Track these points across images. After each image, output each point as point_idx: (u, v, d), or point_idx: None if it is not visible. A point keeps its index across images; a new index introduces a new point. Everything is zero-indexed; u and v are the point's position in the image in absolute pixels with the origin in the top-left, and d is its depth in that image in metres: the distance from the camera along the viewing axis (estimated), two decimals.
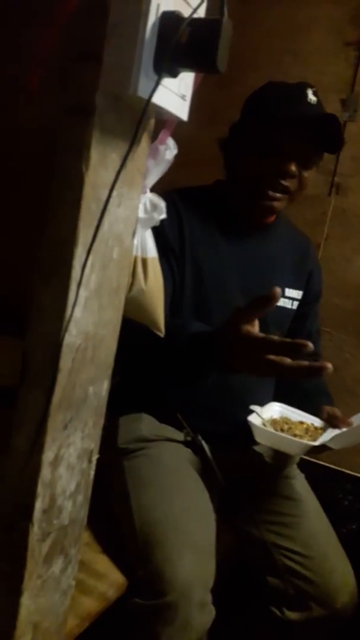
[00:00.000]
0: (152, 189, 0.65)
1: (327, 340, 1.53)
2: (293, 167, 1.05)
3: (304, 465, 1.30)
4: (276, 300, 0.79)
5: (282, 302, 1.20)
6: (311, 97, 1.07)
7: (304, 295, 1.25)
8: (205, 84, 1.72)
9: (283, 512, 1.19)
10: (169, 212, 1.09)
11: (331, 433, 1.05)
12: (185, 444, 1.14)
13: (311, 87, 1.08)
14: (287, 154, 1.05)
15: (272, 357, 0.77)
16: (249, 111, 1.14)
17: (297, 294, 1.23)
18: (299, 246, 1.27)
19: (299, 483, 1.25)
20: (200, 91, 1.70)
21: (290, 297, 1.22)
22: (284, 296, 1.21)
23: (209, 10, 0.54)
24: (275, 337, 0.78)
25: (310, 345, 0.74)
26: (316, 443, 1.01)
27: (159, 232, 1.06)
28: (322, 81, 1.45)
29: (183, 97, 0.55)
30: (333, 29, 1.46)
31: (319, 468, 1.52)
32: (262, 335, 0.81)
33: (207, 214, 1.14)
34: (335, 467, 1.55)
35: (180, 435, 1.14)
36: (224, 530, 1.18)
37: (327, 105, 1.15)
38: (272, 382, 1.26)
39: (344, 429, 1.05)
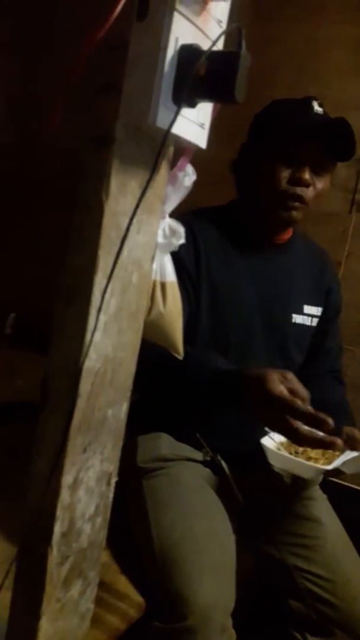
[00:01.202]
0: (173, 210, 0.66)
1: (349, 358, 1.52)
2: (307, 175, 1.06)
3: (326, 486, 1.28)
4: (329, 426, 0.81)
5: (301, 320, 1.20)
6: (317, 108, 1.08)
7: (323, 312, 1.24)
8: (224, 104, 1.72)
9: (304, 534, 1.17)
10: (185, 234, 1.11)
11: (348, 456, 1.03)
12: (205, 463, 1.14)
13: (316, 99, 1.09)
14: (299, 161, 1.06)
15: (291, 420, 0.82)
16: (257, 128, 1.15)
17: (316, 310, 1.23)
18: (316, 262, 1.27)
19: (321, 504, 1.23)
20: (219, 111, 1.71)
21: (309, 314, 1.21)
22: (302, 313, 1.20)
23: (227, 40, 0.55)
24: (301, 405, 0.82)
25: (331, 423, 0.79)
26: (329, 467, 0.98)
27: (175, 254, 1.08)
28: (342, 99, 1.46)
29: (202, 125, 0.56)
30: (353, 48, 1.47)
31: (342, 489, 1.50)
32: (290, 397, 0.84)
33: (222, 233, 1.14)
34: (358, 487, 1.52)
35: (199, 455, 1.13)
36: (244, 551, 1.17)
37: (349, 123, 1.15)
38: None
39: (357, 454, 1.03)
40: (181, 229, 0.64)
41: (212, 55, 0.48)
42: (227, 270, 1.13)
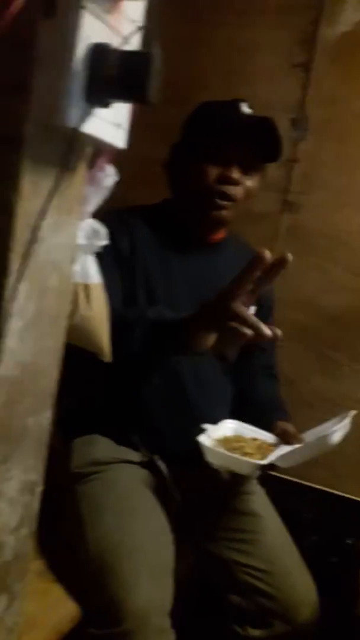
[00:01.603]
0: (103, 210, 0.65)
1: (284, 354, 1.55)
2: (235, 174, 1.08)
3: (264, 480, 1.30)
4: (265, 259, 0.86)
5: None
6: (245, 109, 1.11)
7: (257, 310, 1.26)
8: (155, 104, 1.73)
9: (242, 528, 1.19)
10: (119, 226, 1.11)
11: (282, 450, 1.05)
12: (142, 464, 1.13)
13: (244, 100, 1.12)
14: (227, 160, 1.07)
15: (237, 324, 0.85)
16: (187, 129, 1.16)
17: (250, 309, 1.24)
18: None
19: (258, 498, 1.25)
20: (151, 111, 1.71)
21: None
22: None
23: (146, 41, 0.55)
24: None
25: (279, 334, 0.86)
26: (264, 462, 1.00)
27: (109, 244, 1.07)
28: (272, 101, 1.49)
29: (119, 125, 0.55)
30: (280, 51, 1.49)
31: (279, 482, 1.53)
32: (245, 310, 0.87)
33: (156, 232, 1.14)
34: (296, 480, 1.56)
35: (136, 456, 1.13)
36: (185, 549, 1.17)
37: (277, 125, 1.18)
38: (228, 399, 1.26)
39: (291, 448, 1.05)
40: (103, 230, 0.63)
41: (124, 55, 0.47)
42: (161, 268, 1.13)
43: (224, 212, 1.11)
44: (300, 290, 1.52)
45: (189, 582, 1.22)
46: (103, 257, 1.06)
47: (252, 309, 1.05)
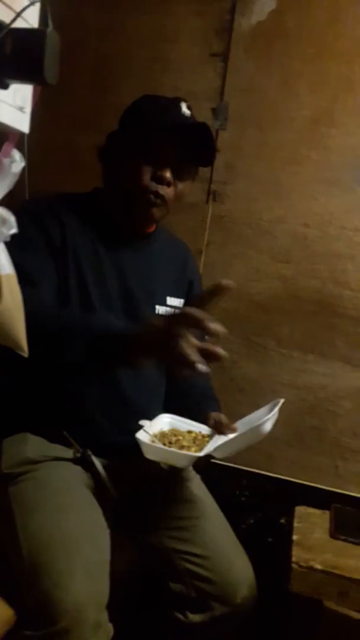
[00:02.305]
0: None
1: (214, 342, 1.57)
2: (168, 174, 1.08)
3: (200, 466, 1.31)
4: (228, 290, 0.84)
5: (164, 311, 1.21)
6: (185, 110, 1.11)
7: (185, 304, 1.27)
8: (79, 91, 1.72)
9: (179, 516, 1.20)
10: (50, 214, 1.08)
11: (217, 440, 1.07)
12: (75, 461, 1.11)
13: (185, 101, 1.13)
14: (162, 161, 1.08)
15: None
16: (126, 121, 1.16)
17: (178, 302, 1.25)
18: (178, 256, 1.30)
19: (194, 485, 1.26)
20: (73, 99, 1.69)
21: (171, 306, 1.23)
22: (165, 304, 1.22)
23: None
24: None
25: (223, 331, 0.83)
26: (201, 454, 1.02)
27: (39, 226, 1.06)
28: (193, 90, 1.50)
29: (21, 109, 0.53)
30: (199, 39, 1.50)
31: (214, 467, 1.55)
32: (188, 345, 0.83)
33: (86, 221, 1.13)
34: (231, 465, 1.59)
35: (69, 453, 1.11)
36: (124, 542, 1.17)
37: (198, 114, 1.19)
38: (162, 390, 1.26)
39: (226, 439, 1.07)
40: (12, 218, 0.61)
41: (17, 32, 0.45)
42: (91, 258, 1.11)
43: (154, 210, 1.11)
44: (227, 279, 1.54)
45: (129, 575, 1.22)
46: (33, 245, 1.05)
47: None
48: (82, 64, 1.57)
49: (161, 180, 1.08)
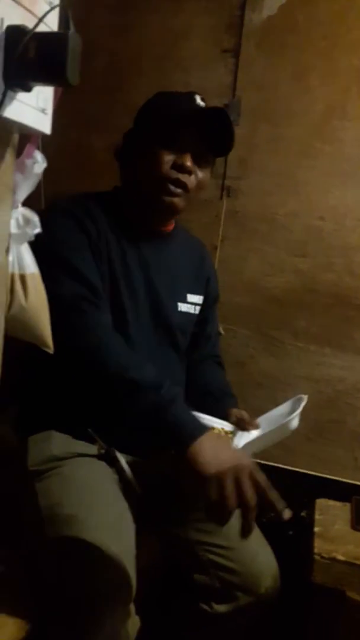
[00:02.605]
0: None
1: (231, 337, 1.58)
2: (189, 162, 1.09)
3: None
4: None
5: (185, 308, 1.24)
6: (199, 101, 1.13)
7: (204, 300, 1.29)
8: (90, 91, 1.73)
9: (201, 508, 1.21)
10: (83, 209, 1.10)
11: (240, 437, 1.08)
12: (99, 457, 1.12)
13: (199, 94, 1.14)
14: (181, 148, 1.09)
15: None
16: (142, 117, 1.17)
17: (198, 299, 1.27)
18: (196, 253, 1.32)
19: None
20: (85, 99, 1.70)
21: (192, 303, 1.25)
22: (186, 302, 1.24)
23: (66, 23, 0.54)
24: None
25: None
26: None
27: (74, 221, 1.08)
28: (205, 87, 1.50)
29: (43, 110, 0.55)
30: (210, 36, 1.51)
31: None
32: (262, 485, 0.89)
33: (110, 219, 1.14)
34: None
35: (93, 449, 1.12)
36: (149, 537, 1.18)
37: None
38: (182, 386, 1.27)
39: (251, 436, 1.07)
40: (35, 218, 0.62)
41: (40, 36, 0.46)
42: (121, 257, 1.13)
43: (176, 200, 1.12)
44: (242, 274, 1.55)
45: (154, 568, 1.23)
46: (79, 244, 1.06)
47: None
48: (93, 64, 1.59)
49: (182, 168, 1.09)
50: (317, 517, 1.36)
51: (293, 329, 1.54)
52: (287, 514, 0.85)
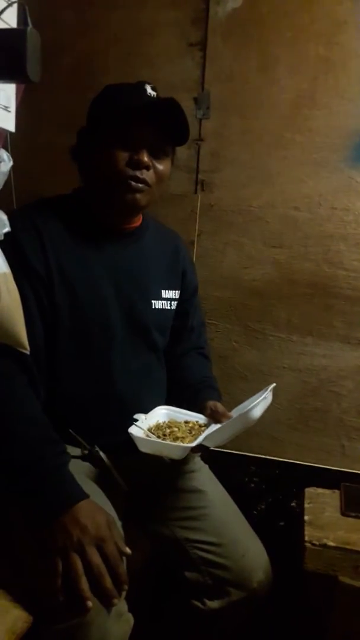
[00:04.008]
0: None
1: (214, 331, 1.58)
2: (145, 157, 1.06)
3: (207, 456, 1.33)
4: None
5: (160, 305, 1.21)
6: (150, 91, 1.09)
7: (181, 294, 1.27)
8: (59, 90, 1.70)
9: (190, 506, 1.21)
10: (28, 231, 1.05)
11: (211, 430, 1.08)
12: (83, 458, 1.12)
13: (149, 83, 1.11)
14: (136, 144, 1.06)
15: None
16: (93, 113, 1.14)
17: (174, 293, 1.25)
18: (169, 247, 1.29)
19: (202, 475, 1.27)
20: (54, 98, 1.68)
21: (167, 298, 1.23)
22: (161, 298, 1.22)
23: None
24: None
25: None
26: (193, 444, 1.02)
27: (20, 256, 1.02)
28: (173, 81, 1.50)
29: (6, 108, 0.54)
30: (176, 31, 1.50)
31: (221, 455, 1.57)
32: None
33: (70, 224, 1.11)
34: (237, 452, 1.60)
35: (76, 451, 1.11)
36: (138, 535, 1.18)
37: (181, 105, 1.18)
38: (162, 386, 1.27)
39: (216, 428, 1.07)
40: (4, 217, 0.61)
41: None
42: (80, 265, 1.09)
43: (138, 196, 1.09)
44: (221, 268, 1.56)
45: (145, 566, 1.23)
46: (17, 280, 1.00)
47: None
48: (59, 63, 1.57)
49: (138, 165, 1.06)
50: (306, 505, 1.37)
51: (274, 320, 1.54)
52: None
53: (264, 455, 1.59)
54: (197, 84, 1.50)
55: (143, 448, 1.04)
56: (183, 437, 1.07)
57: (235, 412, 1.11)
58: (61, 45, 1.56)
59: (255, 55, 1.45)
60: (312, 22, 1.40)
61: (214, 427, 1.08)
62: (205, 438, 1.04)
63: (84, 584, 0.83)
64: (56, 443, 0.96)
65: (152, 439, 1.05)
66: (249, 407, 1.00)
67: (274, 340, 1.55)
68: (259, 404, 1.01)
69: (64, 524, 0.87)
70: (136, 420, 1.09)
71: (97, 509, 0.91)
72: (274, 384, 1.09)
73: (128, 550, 0.89)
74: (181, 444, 1.03)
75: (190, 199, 1.55)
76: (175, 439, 1.06)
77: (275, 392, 1.10)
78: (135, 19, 1.52)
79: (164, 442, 1.04)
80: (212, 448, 1.08)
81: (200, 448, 1.06)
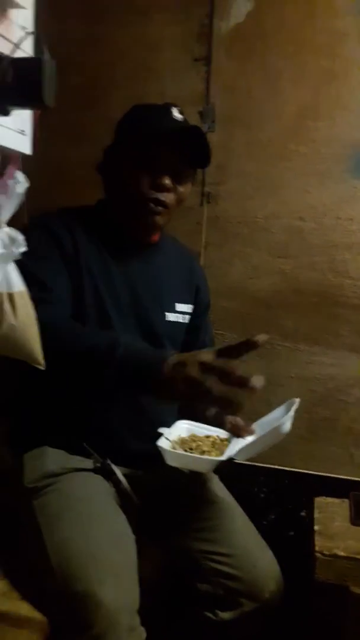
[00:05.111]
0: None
1: (221, 342, 1.59)
2: (167, 180, 1.10)
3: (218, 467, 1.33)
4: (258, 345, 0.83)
5: (173, 317, 1.24)
6: (176, 114, 1.13)
7: (194, 309, 1.30)
8: (66, 106, 1.73)
9: (202, 517, 1.21)
10: (60, 225, 1.11)
11: (236, 443, 1.09)
12: (95, 471, 1.12)
13: (175, 106, 1.15)
14: (160, 168, 1.10)
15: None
16: (119, 133, 1.18)
17: (188, 307, 1.28)
18: (184, 263, 1.33)
19: (213, 486, 1.27)
20: (61, 114, 1.70)
21: (181, 312, 1.26)
22: (175, 311, 1.25)
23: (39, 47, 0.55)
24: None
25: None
26: (223, 458, 1.04)
27: (54, 240, 1.07)
28: (179, 96, 1.51)
29: (22, 132, 0.55)
30: (181, 46, 1.52)
31: (233, 466, 1.56)
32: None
33: (93, 233, 1.15)
34: (247, 463, 1.60)
35: (89, 464, 1.12)
36: (150, 548, 1.18)
37: (187, 118, 1.21)
38: None
39: (245, 442, 1.08)
40: (20, 237, 0.63)
41: (16, 62, 0.47)
42: (103, 271, 1.13)
43: (158, 218, 1.13)
44: (227, 278, 1.57)
45: (157, 579, 1.23)
46: (47, 256, 1.06)
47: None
48: (67, 79, 1.59)
49: (160, 188, 1.10)
50: (316, 515, 1.37)
51: (281, 330, 1.55)
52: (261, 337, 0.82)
53: (273, 465, 1.59)
54: (202, 98, 1.52)
55: (172, 462, 1.04)
56: (209, 451, 1.07)
57: (256, 427, 1.12)
58: (68, 62, 1.59)
59: (259, 68, 1.47)
60: (313, 35, 1.42)
61: (237, 441, 1.09)
62: (237, 452, 1.05)
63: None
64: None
65: (181, 452, 1.06)
66: (281, 421, 1.01)
67: (282, 349, 1.56)
68: (289, 419, 1.02)
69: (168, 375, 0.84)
70: (159, 433, 1.09)
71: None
72: (299, 399, 1.09)
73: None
74: (212, 458, 1.04)
75: (196, 212, 1.57)
76: (202, 452, 1.07)
77: (283, 402, 1.11)
78: (141, 35, 1.55)
79: (194, 455, 1.05)
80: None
81: (227, 462, 1.06)
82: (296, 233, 1.51)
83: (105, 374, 0.87)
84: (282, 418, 1.04)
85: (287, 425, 1.02)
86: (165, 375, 0.84)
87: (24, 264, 0.66)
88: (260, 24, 1.45)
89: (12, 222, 0.66)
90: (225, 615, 1.17)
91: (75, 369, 0.92)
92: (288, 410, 1.07)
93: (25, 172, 0.64)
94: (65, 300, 1.06)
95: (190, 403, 0.89)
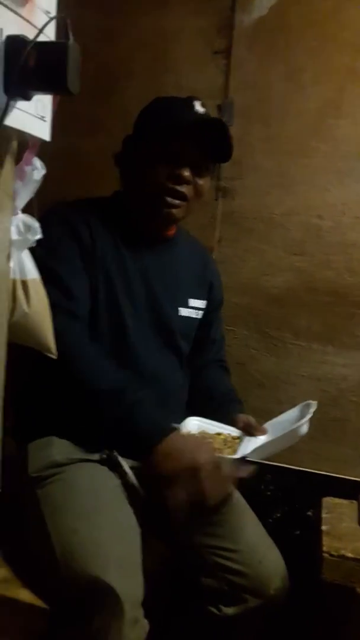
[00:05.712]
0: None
1: (232, 338, 1.58)
2: (187, 173, 1.09)
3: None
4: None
5: (187, 313, 1.24)
6: (198, 107, 1.12)
7: (207, 305, 1.29)
8: (82, 96, 1.72)
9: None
10: (77, 216, 1.11)
11: (248, 442, 1.08)
12: (101, 462, 1.12)
13: (198, 99, 1.13)
14: (179, 160, 1.09)
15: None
16: (141, 124, 1.17)
17: (201, 303, 1.28)
18: (199, 258, 1.32)
19: None
20: (77, 103, 1.70)
21: (194, 307, 1.26)
22: (188, 306, 1.24)
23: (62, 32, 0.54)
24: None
25: None
26: (237, 456, 1.03)
27: (71, 232, 1.08)
28: (197, 89, 1.50)
29: (42, 118, 0.55)
30: (201, 38, 1.51)
31: (257, 469, 1.56)
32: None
33: (109, 224, 1.14)
34: (256, 460, 1.59)
35: (95, 455, 1.12)
36: (156, 540, 1.18)
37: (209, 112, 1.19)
38: (185, 392, 1.28)
39: (259, 441, 1.08)
40: (36, 224, 0.62)
41: (40, 46, 0.46)
42: (118, 262, 1.13)
43: (175, 211, 1.12)
44: (241, 274, 1.56)
45: (161, 572, 1.23)
46: (66, 251, 1.07)
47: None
48: (85, 68, 1.58)
49: (179, 180, 1.09)
50: (324, 515, 1.36)
51: (294, 328, 1.54)
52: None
53: (282, 463, 1.58)
54: (221, 92, 1.51)
55: None
56: (221, 449, 1.06)
57: (268, 427, 1.12)
58: (85, 51, 1.58)
59: (280, 63, 1.45)
60: (338, 31, 1.40)
61: (249, 440, 1.08)
62: (253, 451, 1.04)
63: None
64: (133, 380, 1.02)
65: None
66: (299, 423, 1.01)
67: (294, 348, 1.55)
68: (307, 421, 1.01)
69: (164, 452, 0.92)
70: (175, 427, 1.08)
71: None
72: (316, 402, 1.08)
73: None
74: (227, 456, 1.03)
75: (211, 206, 1.56)
76: (214, 450, 1.06)
77: (293, 401, 1.10)
78: (160, 26, 1.54)
79: None
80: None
81: (239, 460, 1.06)
82: (313, 231, 1.49)
83: (105, 417, 0.98)
84: (295, 420, 1.03)
85: (304, 428, 1.01)
86: (157, 452, 0.92)
87: (44, 260, 0.66)
88: (283, 18, 1.44)
89: (25, 211, 0.66)
90: (229, 610, 1.16)
91: (82, 401, 1.01)
92: (302, 412, 1.06)
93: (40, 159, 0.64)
94: (85, 308, 1.08)
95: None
